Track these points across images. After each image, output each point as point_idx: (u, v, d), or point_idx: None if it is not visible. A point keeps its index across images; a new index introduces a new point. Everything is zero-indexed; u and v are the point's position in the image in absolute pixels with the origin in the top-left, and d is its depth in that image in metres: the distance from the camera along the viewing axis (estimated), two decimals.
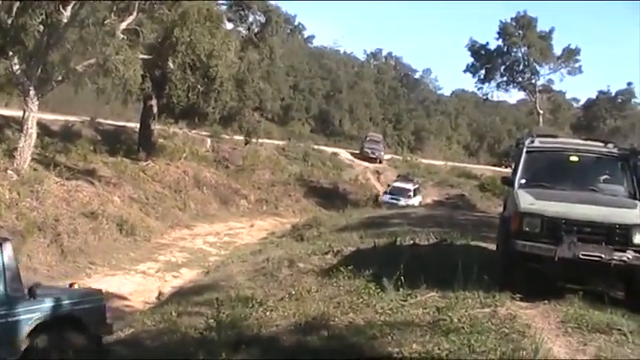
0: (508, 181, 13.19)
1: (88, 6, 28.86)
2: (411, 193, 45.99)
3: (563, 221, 10.88)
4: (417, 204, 43.80)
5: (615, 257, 10.54)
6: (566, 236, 10.74)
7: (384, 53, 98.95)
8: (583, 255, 10.56)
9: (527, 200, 11.40)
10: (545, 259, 10.87)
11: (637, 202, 11.77)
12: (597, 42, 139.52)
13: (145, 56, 32.79)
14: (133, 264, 24.83)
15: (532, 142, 13.14)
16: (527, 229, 11.04)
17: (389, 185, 49.35)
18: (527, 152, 12.85)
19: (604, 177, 12.73)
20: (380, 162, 61.65)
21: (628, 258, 10.56)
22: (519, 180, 12.48)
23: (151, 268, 24.66)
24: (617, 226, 10.80)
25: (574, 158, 12.73)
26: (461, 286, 10.96)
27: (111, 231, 27.14)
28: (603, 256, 10.54)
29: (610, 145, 13.06)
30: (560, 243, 10.69)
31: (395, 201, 43.57)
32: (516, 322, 9.54)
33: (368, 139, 64.87)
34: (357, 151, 63.58)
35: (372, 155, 61.67)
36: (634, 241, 10.76)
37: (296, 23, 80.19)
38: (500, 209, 16.15)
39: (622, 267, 10.66)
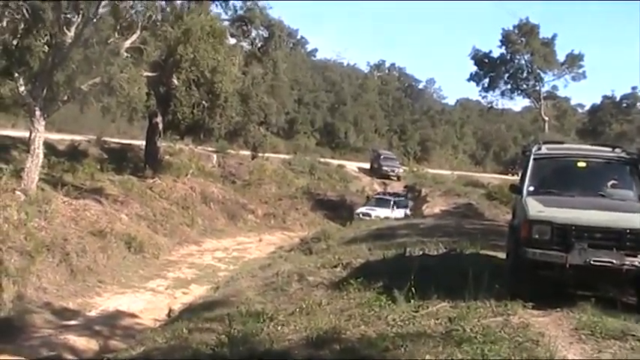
0: (516, 189, 13.05)
1: (92, 25, 28.97)
2: (393, 205, 44.52)
3: (573, 228, 10.77)
4: (401, 216, 42.03)
5: (627, 262, 10.46)
6: (577, 243, 10.65)
7: (387, 64, 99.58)
8: (594, 261, 10.48)
9: (536, 207, 11.31)
10: (556, 267, 10.78)
11: None
12: (600, 47, 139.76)
13: (150, 74, 32.92)
14: (143, 281, 24.82)
15: (539, 149, 13.13)
16: (536, 236, 10.94)
17: (368, 197, 48.94)
18: (534, 159, 12.80)
19: (612, 182, 12.59)
20: (399, 179, 60.84)
21: (639, 263, 10.48)
22: (527, 187, 12.38)
23: (161, 285, 24.64)
24: (628, 231, 10.69)
25: (582, 164, 12.71)
26: (472, 295, 10.89)
27: (119, 249, 27.12)
28: (615, 261, 10.46)
29: (617, 150, 13.04)
30: (571, 250, 10.60)
31: (370, 212, 42.27)
32: (529, 331, 9.47)
33: (382, 157, 63.59)
34: (366, 166, 63.74)
35: (391, 173, 61.05)
36: None
37: (299, 37, 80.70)
38: (509, 217, 16.11)
39: (634, 272, 10.58)
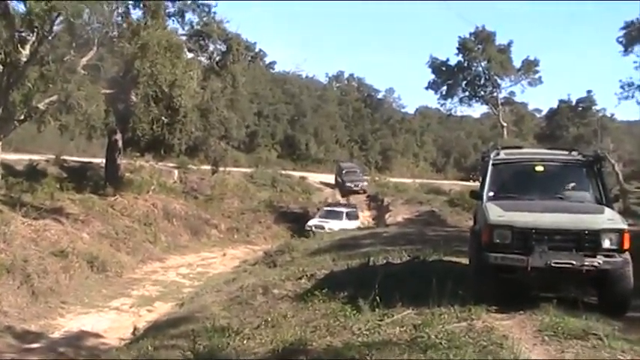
0: (476, 195, 13.10)
1: (48, 43, 28.73)
2: (344, 216, 43.77)
3: (533, 231, 10.96)
4: (353, 227, 40.48)
5: (586, 263, 10.66)
6: (537, 245, 10.83)
7: (346, 75, 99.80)
8: (555, 263, 10.66)
9: (496, 212, 11.44)
10: (518, 270, 10.93)
11: (604, 207, 11.87)
12: (555, 52, 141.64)
13: (108, 91, 32.67)
14: (106, 301, 24.56)
15: (497, 154, 13.21)
16: (497, 240, 11.11)
17: (318, 209, 48.10)
18: (493, 165, 12.89)
19: (570, 184, 12.83)
20: (364, 192, 58.93)
21: (599, 263, 10.70)
22: (487, 193, 12.48)
23: (125, 303, 24.40)
24: (586, 232, 10.93)
25: (539, 168, 12.80)
26: (436, 302, 10.89)
27: (82, 269, 26.80)
28: (574, 262, 10.67)
29: (574, 153, 13.19)
30: (532, 252, 10.78)
31: (323, 224, 41.17)
32: (493, 334, 9.55)
33: (345, 171, 61.31)
34: (328, 178, 63.23)
35: (355, 188, 58.78)
36: (603, 245, 10.89)
37: (257, 50, 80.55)
38: (471, 223, 16.11)
39: (594, 272, 10.80)
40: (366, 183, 60.43)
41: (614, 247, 10.95)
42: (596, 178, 12.68)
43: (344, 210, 45.31)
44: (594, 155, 13.36)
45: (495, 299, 11.03)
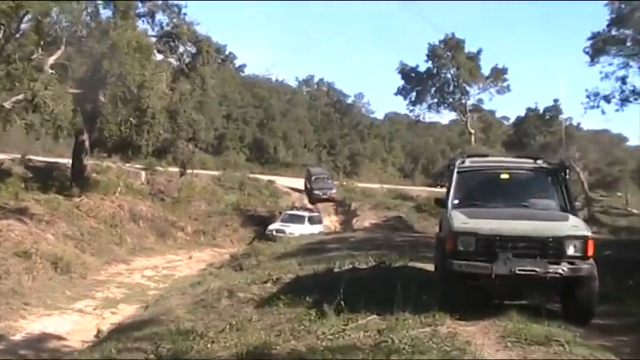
0: (441, 203, 13.11)
1: (15, 41, 28.45)
2: (306, 221, 42.65)
3: (497, 238, 10.99)
4: (315, 232, 40.01)
5: (550, 270, 10.71)
6: (501, 253, 10.84)
7: (316, 79, 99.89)
8: (519, 270, 10.66)
9: (460, 220, 11.46)
10: (483, 277, 10.94)
11: (568, 214, 11.94)
12: (524, 61, 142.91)
13: (75, 90, 32.43)
14: (70, 302, 24.28)
15: (462, 162, 13.22)
16: (462, 248, 11.11)
17: (280, 212, 46.90)
18: (458, 172, 12.88)
19: (535, 192, 12.83)
20: (333, 201, 57.07)
21: (563, 270, 10.76)
22: (452, 200, 12.49)
23: (89, 305, 24.15)
24: (550, 239, 10.98)
25: (504, 176, 12.84)
26: (400, 307, 10.91)
27: (45, 270, 26.50)
28: (538, 269, 10.70)
29: (539, 161, 13.21)
30: (496, 260, 10.78)
31: (284, 229, 40.29)
32: (457, 340, 9.59)
33: (314, 177, 59.14)
34: (294, 183, 62.65)
35: (323, 197, 56.72)
36: (567, 253, 10.93)
37: (227, 53, 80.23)
38: (437, 229, 16.17)
39: (558, 280, 10.86)
40: (334, 190, 58.68)
41: (578, 254, 10.98)
42: (561, 187, 12.69)
43: (306, 214, 44.19)
44: (559, 164, 13.44)
45: (460, 306, 10.97)
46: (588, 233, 11.27)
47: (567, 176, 13.00)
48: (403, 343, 9.39)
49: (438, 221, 15.71)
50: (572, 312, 11.26)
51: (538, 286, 11.35)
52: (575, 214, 12.25)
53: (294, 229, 40.08)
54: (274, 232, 40.12)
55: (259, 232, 43.24)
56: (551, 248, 10.95)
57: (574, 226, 11.36)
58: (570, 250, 10.96)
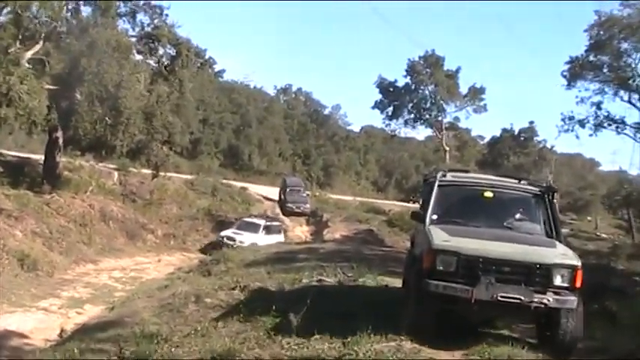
0: (418, 217, 12.47)
1: None
2: (261, 230, 40.84)
3: (481, 260, 10.28)
4: (272, 243, 37.03)
5: (535, 300, 10.07)
6: (484, 276, 10.13)
7: (294, 88, 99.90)
8: (501, 297, 10.00)
9: (440, 237, 10.70)
10: (460, 301, 10.24)
11: (554, 241, 11.36)
12: (502, 82, 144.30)
13: (52, 87, 32.23)
14: (35, 300, 24.07)
15: (444, 175, 12.48)
16: (440, 267, 10.35)
17: (236, 219, 45.70)
18: (439, 186, 12.11)
19: (518, 215, 12.16)
20: (306, 215, 55.60)
21: (548, 300, 10.13)
22: (430, 215, 11.72)
23: (54, 304, 23.96)
24: (538, 265, 10.32)
25: (488, 194, 12.14)
26: (366, 323, 10.55)
27: (11, 266, 26.29)
28: (523, 298, 10.05)
29: (523, 182, 12.63)
30: (477, 283, 10.09)
31: (235, 237, 39.06)
32: (420, 356, 9.65)
33: (289, 189, 57.30)
34: (268, 191, 62.32)
35: (297, 211, 55.19)
36: (554, 282, 10.30)
37: (206, 57, 79.99)
38: (408, 244, 16.13)
39: (541, 310, 10.27)
40: (308, 205, 56.71)
41: (565, 284, 10.34)
42: (547, 211, 12.08)
43: (262, 223, 42.27)
44: (546, 186, 12.74)
45: (431, 330, 10.40)
46: (578, 263, 10.55)
47: (555, 200, 12.43)
48: (367, 356, 9.43)
49: (411, 236, 15.26)
50: (552, 344, 10.64)
51: (519, 315, 10.99)
52: (562, 240, 11.64)
53: (246, 238, 38.86)
54: (224, 240, 39.13)
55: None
56: (537, 276, 10.29)
57: (563, 254, 10.74)
58: (557, 280, 10.31)
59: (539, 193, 12.36)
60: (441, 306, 10.47)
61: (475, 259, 10.30)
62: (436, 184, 12.15)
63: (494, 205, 12.22)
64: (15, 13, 29.64)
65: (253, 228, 41.06)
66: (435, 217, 11.74)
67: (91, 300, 25.24)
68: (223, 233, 40.81)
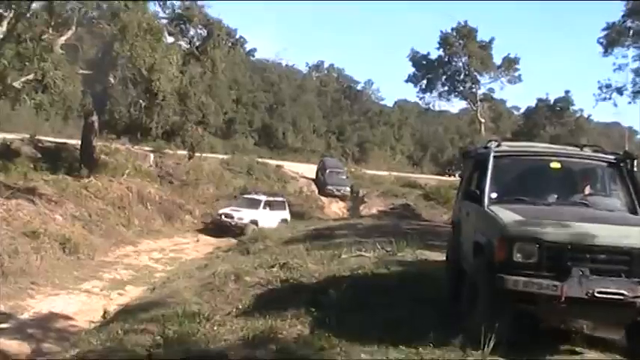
0: (471, 196, 10.42)
1: (25, 21, 28.41)
2: (262, 206, 38.98)
3: (570, 247, 8.35)
4: (276, 220, 37.24)
5: None
6: (575, 267, 8.23)
7: (326, 65, 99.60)
8: (600, 293, 8.07)
9: (512, 220, 8.84)
10: (543, 300, 8.32)
11: None
12: (536, 52, 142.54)
13: (85, 71, 32.41)
14: (77, 283, 24.33)
15: (499, 145, 10.66)
16: (519, 258, 8.41)
17: (235, 196, 44.53)
18: (495, 158, 10.17)
19: (592, 188, 10.40)
20: (345, 199, 54.14)
21: None
22: (489, 194, 9.78)
23: (96, 286, 24.20)
24: None
25: (556, 165, 10.24)
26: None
27: (53, 250, 26.53)
28: (626, 293, 8.10)
29: (586, 150, 10.80)
30: (567, 277, 8.19)
31: (233, 214, 37.92)
32: None
33: (328, 171, 55.73)
34: (305, 169, 62.14)
35: (336, 193, 53.98)
36: None
37: (237, 36, 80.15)
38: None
39: None
40: (348, 189, 55.15)
41: None
42: (627, 183, 10.13)
43: (263, 198, 40.15)
44: (623, 154, 10.61)
45: (509, 337, 8.39)
46: None
47: (634, 170, 10.28)
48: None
49: (453, 219, 13.02)
50: None
51: (616, 315, 8.74)
52: None
53: (245, 215, 37.78)
54: (222, 217, 38.18)
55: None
56: None
57: None
58: None
59: (614, 161, 10.37)
60: (516, 307, 8.57)
61: (563, 246, 8.37)
62: (491, 156, 10.19)
63: (563, 177, 10.41)
64: (47, 0, 29.76)
65: (253, 204, 39.39)
66: (494, 195, 9.80)
67: (132, 281, 25.47)
68: (221, 210, 39.46)
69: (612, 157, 10.47)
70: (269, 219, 37.24)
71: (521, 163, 10.51)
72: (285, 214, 40.21)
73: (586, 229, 8.49)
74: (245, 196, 42.60)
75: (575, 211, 9.29)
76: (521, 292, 8.31)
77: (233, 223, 37.06)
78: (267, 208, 39.12)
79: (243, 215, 37.77)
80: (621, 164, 10.30)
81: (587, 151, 10.73)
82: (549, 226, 8.57)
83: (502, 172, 10.16)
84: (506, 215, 9.02)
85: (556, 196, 10.04)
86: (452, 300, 11.12)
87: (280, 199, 42.32)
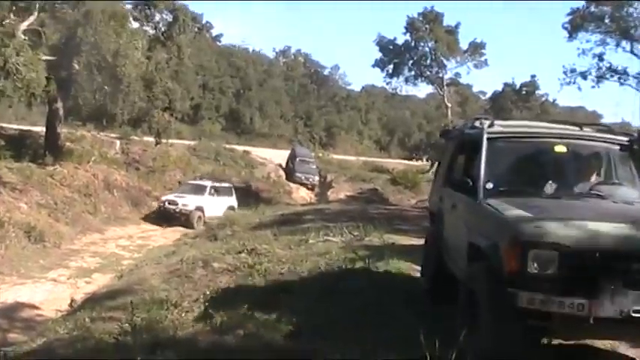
0: (462, 186, 8.44)
1: None
2: (207, 192, 38.01)
3: (598, 254, 6.41)
4: (223, 206, 36.60)
5: None
6: (605, 280, 6.32)
7: (293, 50, 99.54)
8: (636, 312, 6.24)
9: (524, 219, 6.96)
10: (565, 317, 6.42)
11: None
12: (502, 36, 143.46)
13: (49, 57, 32.01)
14: (43, 272, 24.13)
15: (491, 125, 8.72)
16: (535, 269, 6.46)
17: (180, 183, 43.39)
18: (488, 140, 8.27)
19: (595, 176, 8.65)
20: (313, 189, 53.90)
21: None
22: (484, 184, 7.90)
23: (62, 275, 24.02)
24: None
25: (561, 148, 8.44)
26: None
27: (18, 239, 26.31)
28: None
29: (587, 130, 8.98)
30: (596, 292, 6.31)
31: (177, 200, 36.65)
32: None
33: (299, 159, 55.21)
34: (272, 154, 61.95)
35: (305, 182, 53.61)
36: None
37: (204, 22, 79.67)
38: (412, 202, 15.53)
39: None
40: (317, 178, 54.82)
41: None
42: None
43: (209, 184, 39.28)
44: (639, 135, 8.93)
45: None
46: None
47: None
48: None
49: (432, 211, 11.09)
50: None
51: None
52: None
53: (190, 201, 36.72)
54: (166, 205, 37.12)
55: (239, 202, 40.25)
56: None
57: None
58: None
59: (627, 144, 8.68)
60: (528, 326, 6.64)
61: (590, 254, 6.42)
62: (484, 139, 8.30)
63: (569, 163, 8.68)
64: None
65: (198, 190, 38.30)
66: (490, 185, 7.93)
67: (99, 269, 25.31)
68: (165, 197, 38.27)
69: (625, 138, 8.79)
70: (215, 206, 36.64)
71: (520, 146, 8.67)
72: (232, 200, 39.31)
73: (610, 230, 6.69)
74: (190, 181, 41.66)
75: (595, 207, 7.59)
76: (538, 311, 6.45)
77: (177, 210, 36.20)
78: (214, 195, 38.28)
79: (188, 202, 36.71)
80: (634, 147, 8.65)
81: (589, 131, 8.93)
82: (572, 227, 6.72)
83: (497, 157, 8.25)
84: (513, 213, 7.20)
85: (562, 186, 8.21)
86: (429, 298, 10.12)
87: (226, 184, 41.40)
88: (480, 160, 8.10)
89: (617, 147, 8.64)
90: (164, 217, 36.95)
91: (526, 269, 6.46)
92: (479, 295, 7.09)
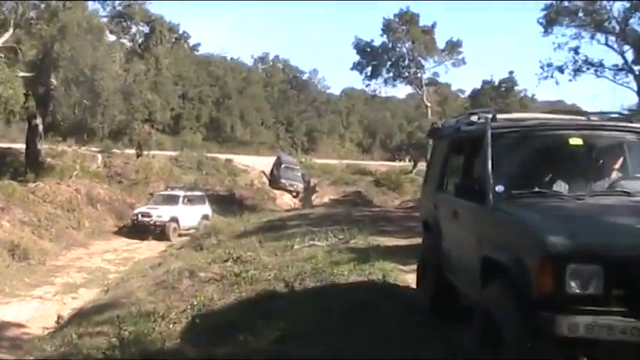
0: (467, 191, 7.34)
1: None
2: (181, 202, 37.17)
3: None
4: (197, 215, 36.54)
5: None
6: None
7: (272, 57, 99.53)
8: None
9: (551, 227, 5.77)
10: (615, 347, 5.39)
11: None
12: (478, 34, 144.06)
13: (26, 74, 31.89)
14: (29, 289, 23.97)
15: (494, 119, 7.66)
16: (574, 289, 5.36)
17: (151, 194, 42.47)
18: (494, 137, 7.18)
19: (615, 172, 7.53)
20: (297, 195, 53.31)
21: None
22: (494, 186, 6.77)
23: (48, 292, 23.87)
24: None
25: (576, 141, 7.31)
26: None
27: (2, 257, 26.15)
28: None
29: (594, 119, 8.07)
30: None
31: (150, 212, 35.95)
32: None
33: (284, 166, 54.87)
34: (255, 162, 61.87)
35: (289, 188, 53.18)
36: None
37: (181, 32, 79.48)
38: (397, 202, 15.59)
39: None
40: (301, 185, 54.09)
41: None
42: None
43: (181, 193, 38.41)
44: None
45: None
46: None
47: None
48: None
49: (428, 219, 9.77)
50: None
51: None
52: None
53: (164, 212, 35.93)
54: (139, 217, 36.19)
55: (223, 210, 40.62)
56: None
57: None
58: None
59: None
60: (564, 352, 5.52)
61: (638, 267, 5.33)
62: (488, 135, 7.23)
63: (586, 157, 7.60)
64: None
65: (171, 200, 37.32)
66: (500, 188, 6.76)
67: (85, 284, 25.18)
68: (137, 210, 37.45)
69: None
70: (189, 215, 36.41)
71: (530, 141, 7.54)
72: (206, 208, 38.69)
73: None
74: (162, 192, 40.75)
75: (629, 206, 6.60)
76: (581, 340, 5.32)
77: (152, 222, 35.61)
78: (187, 204, 37.40)
79: (161, 213, 35.88)
80: None
81: (595, 120, 8.01)
82: (612, 232, 5.73)
83: (504, 155, 7.18)
84: (536, 219, 6.15)
85: (581, 184, 7.19)
86: (431, 314, 9.15)
87: (199, 193, 40.79)
88: (486, 159, 6.99)
89: (636, 138, 7.58)
90: (138, 230, 36.20)
91: (564, 289, 5.36)
92: (503, 322, 5.88)
